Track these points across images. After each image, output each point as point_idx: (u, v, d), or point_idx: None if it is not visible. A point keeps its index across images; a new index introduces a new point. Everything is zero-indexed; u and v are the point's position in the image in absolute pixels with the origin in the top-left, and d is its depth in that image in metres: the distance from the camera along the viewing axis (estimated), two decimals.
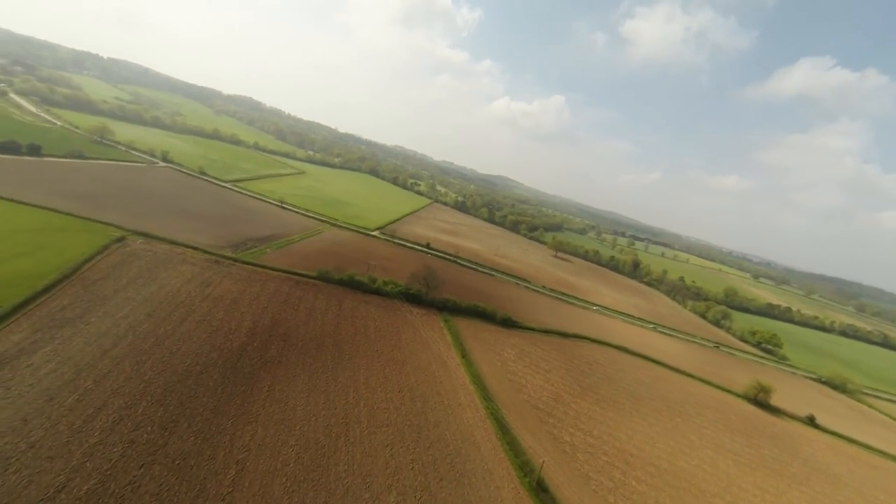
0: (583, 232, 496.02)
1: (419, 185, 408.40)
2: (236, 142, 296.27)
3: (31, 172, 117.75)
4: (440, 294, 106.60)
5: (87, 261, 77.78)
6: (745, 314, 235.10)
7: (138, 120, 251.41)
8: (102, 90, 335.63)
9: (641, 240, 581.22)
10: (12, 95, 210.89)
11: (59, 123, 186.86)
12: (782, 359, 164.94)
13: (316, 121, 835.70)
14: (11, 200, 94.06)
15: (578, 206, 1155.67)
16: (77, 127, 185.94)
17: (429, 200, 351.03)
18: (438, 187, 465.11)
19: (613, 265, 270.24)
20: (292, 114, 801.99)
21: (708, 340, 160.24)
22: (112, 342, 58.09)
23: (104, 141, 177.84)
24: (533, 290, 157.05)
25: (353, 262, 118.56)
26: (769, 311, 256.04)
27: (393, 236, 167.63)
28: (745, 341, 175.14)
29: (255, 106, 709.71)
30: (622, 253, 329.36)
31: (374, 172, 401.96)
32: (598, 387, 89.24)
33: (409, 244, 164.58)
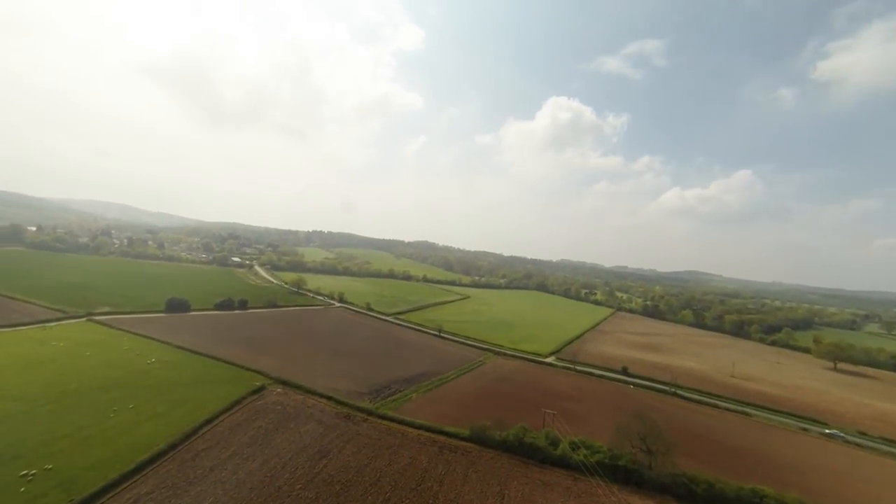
0: (853, 326, 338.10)
1: (595, 293, 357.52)
2: (407, 277, 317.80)
3: (230, 323, 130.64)
4: (672, 463, 59.45)
5: (209, 420, 66.34)
6: None
7: (333, 271, 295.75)
8: (318, 255, 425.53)
9: None
10: (256, 266, 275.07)
11: (275, 282, 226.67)
12: None
13: (483, 249, 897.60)
14: (195, 352, 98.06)
15: (812, 291, 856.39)
16: (285, 283, 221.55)
17: (610, 310, 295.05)
18: (617, 293, 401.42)
19: None
20: (461, 247, 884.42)
21: None
22: None
23: (299, 290, 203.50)
24: (842, 441, 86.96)
25: (523, 407, 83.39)
26: None
27: (574, 362, 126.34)
28: None
29: (430, 247, 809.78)
30: None
31: (542, 288, 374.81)
32: None
33: (597, 371, 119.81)
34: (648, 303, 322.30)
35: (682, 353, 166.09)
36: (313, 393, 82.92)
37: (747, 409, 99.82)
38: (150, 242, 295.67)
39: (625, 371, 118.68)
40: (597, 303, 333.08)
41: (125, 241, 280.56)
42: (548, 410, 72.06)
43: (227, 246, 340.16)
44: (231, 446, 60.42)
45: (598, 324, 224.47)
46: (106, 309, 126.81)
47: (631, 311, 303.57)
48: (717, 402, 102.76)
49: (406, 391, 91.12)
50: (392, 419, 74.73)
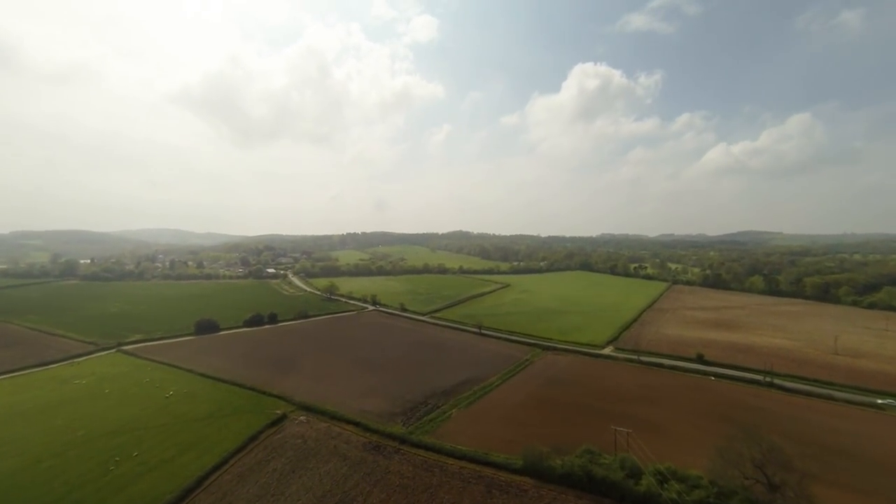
0: None
1: (644, 267, 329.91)
2: (443, 270, 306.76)
3: (258, 340, 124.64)
4: (810, 499, 43.28)
5: (218, 466, 57.60)
6: None
7: (366, 272, 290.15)
8: (352, 257, 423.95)
9: None
10: (290, 276, 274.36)
11: (308, 290, 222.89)
12: None
13: (519, 233, 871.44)
14: (216, 379, 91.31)
15: (893, 238, 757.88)
16: (317, 290, 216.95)
17: (665, 284, 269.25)
18: (669, 265, 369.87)
19: None
20: (497, 234, 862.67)
21: None
22: None
23: (332, 297, 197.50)
24: None
25: (584, 418, 69.14)
26: None
27: (637, 351, 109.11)
28: None
29: (464, 236, 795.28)
30: None
31: (585, 267, 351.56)
32: None
33: (667, 362, 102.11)
34: (707, 272, 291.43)
35: (763, 329, 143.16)
36: (339, 419, 72.92)
37: (876, 399, 79.33)
38: (189, 263, 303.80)
39: (701, 359, 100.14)
40: (648, 277, 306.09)
41: (167, 263, 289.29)
42: (619, 428, 57.19)
43: (263, 258, 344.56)
44: (240, 500, 51.02)
45: (654, 301, 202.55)
46: (138, 337, 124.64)
47: (689, 283, 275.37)
48: (830, 391, 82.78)
49: (445, 406, 79.23)
50: (429, 447, 63.02)
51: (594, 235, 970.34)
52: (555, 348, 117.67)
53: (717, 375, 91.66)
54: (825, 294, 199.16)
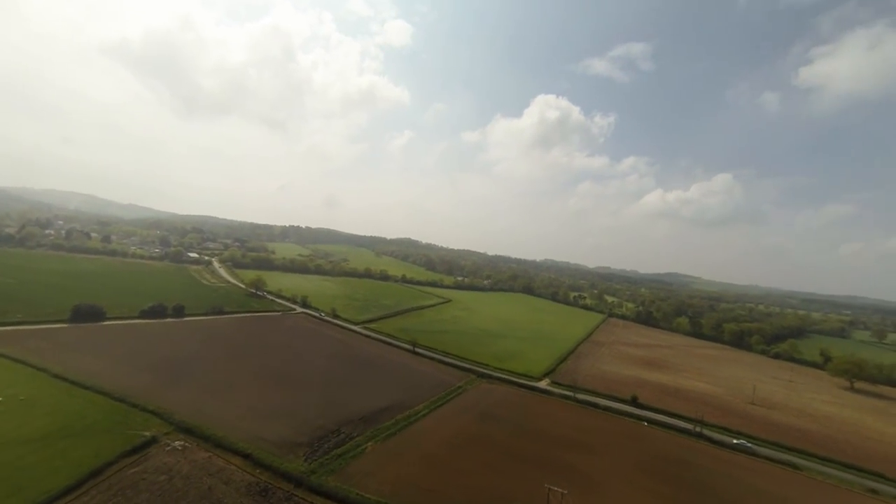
0: (843, 334, 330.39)
1: (583, 297, 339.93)
2: (385, 277, 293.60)
3: (151, 336, 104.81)
4: None
5: None
6: None
7: (303, 269, 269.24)
8: (291, 251, 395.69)
9: None
10: (214, 262, 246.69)
11: (232, 282, 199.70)
12: None
13: (466, 248, 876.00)
14: (76, 383, 72.41)
15: (789, 295, 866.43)
16: (243, 283, 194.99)
17: (601, 316, 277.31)
18: (606, 297, 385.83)
19: None
20: (445, 246, 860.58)
21: None
22: None
23: (257, 292, 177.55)
24: None
25: (516, 465, 61.43)
26: None
27: (574, 388, 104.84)
28: None
29: (412, 244, 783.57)
30: None
31: (527, 290, 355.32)
32: None
33: (602, 402, 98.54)
34: (640, 308, 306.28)
35: (688, 371, 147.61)
36: (226, 448, 59.15)
37: (791, 458, 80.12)
38: (94, 235, 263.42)
39: (635, 401, 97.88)
40: (586, 307, 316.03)
41: (63, 232, 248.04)
42: (553, 488, 49.89)
43: (188, 240, 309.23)
44: None
45: (591, 333, 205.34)
46: None
47: (623, 317, 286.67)
48: (753, 444, 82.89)
49: (360, 438, 67.97)
50: (330, 494, 51.73)
51: (538, 259, 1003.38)
52: (490, 376, 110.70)
53: (650, 421, 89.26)
54: (740, 340, 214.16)
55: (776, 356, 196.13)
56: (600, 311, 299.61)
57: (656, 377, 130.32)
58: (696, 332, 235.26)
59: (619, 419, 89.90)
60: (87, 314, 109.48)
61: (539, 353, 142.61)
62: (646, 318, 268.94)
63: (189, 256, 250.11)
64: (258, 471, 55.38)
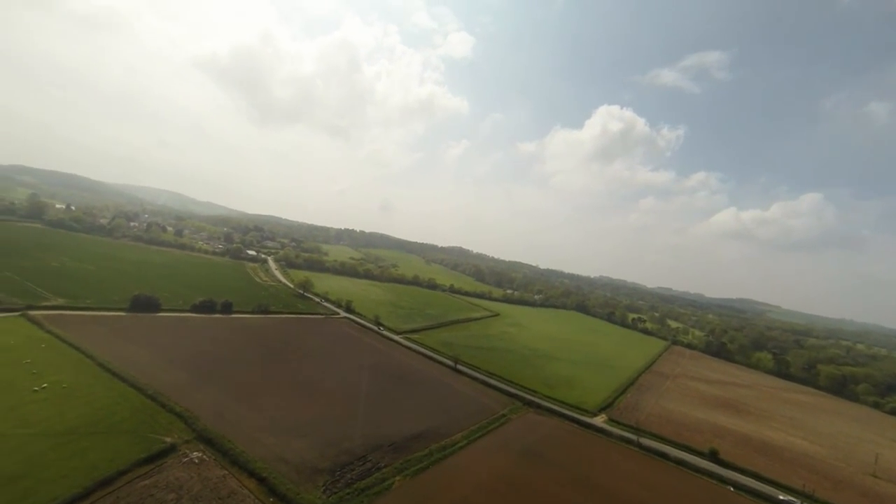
0: None
1: (644, 320, 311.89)
2: (433, 286, 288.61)
3: (196, 331, 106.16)
4: None
5: None
6: None
7: (352, 273, 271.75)
8: (344, 253, 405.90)
9: None
10: (270, 261, 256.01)
11: (283, 281, 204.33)
12: None
13: (517, 260, 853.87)
14: (116, 374, 72.44)
15: (891, 333, 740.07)
16: (292, 282, 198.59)
17: (663, 342, 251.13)
18: (669, 321, 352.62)
19: None
20: (495, 256, 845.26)
21: None
22: None
23: (305, 294, 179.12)
24: None
25: None
26: None
27: (636, 429, 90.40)
28: None
29: (462, 253, 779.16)
30: None
31: (581, 308, 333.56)
32: None
33: (673, 451, 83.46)
34: (710, 338, 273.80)
35: (776, 419, 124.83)
36: (243, 467, 54.48)
37: None
38: (168, 228, 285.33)
39: (715, 456, 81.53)
40: (646, 332, 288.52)
41: (144, 225, 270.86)
42: None
43: (248, 238, 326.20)
44: None
45: (653, 362, 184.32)
46: (60, 301, 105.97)
47: (689, 345, 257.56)
48: None
49: (388, 469, 60.65)
50: None
51: (592, 276, 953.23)
52: (538, 405, 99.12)
53: (736, 485, 73.08)
54: (841, 388, 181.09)
55: (894, 412, 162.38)
56: (662, 338, 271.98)
57: (736, 424, 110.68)
58: (782, 372, 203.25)
59: (695, 478, 74.72)
60: (144, 304, 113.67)
61: (594, 382, 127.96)
62: (717, 350, 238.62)
63: (247, 254, 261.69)
64: (271, 500, 49.80)
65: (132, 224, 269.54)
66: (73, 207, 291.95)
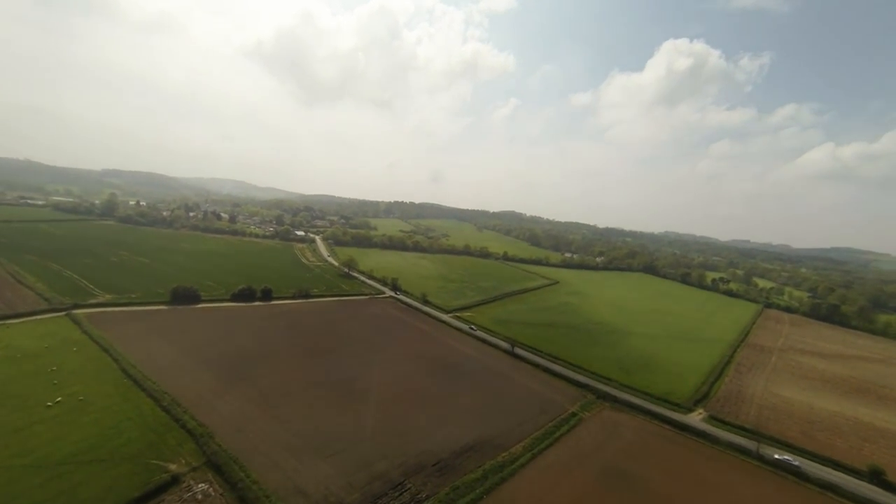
0: None
1: (727, 281, 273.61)
2: (485, 255, 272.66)
3: (233, 322, 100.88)
4: None
5: None
6: None
7: (401, 246, 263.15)
8: (392, 227, 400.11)
9: None
10: (318, 240, 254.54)
11: (329, 261, 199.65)
12: None
13: (574, 221, 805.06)
14: (135, 381, 66.74)
15: None
16: (337, 260, 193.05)
17: (755, 306, 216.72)
18: (756, 280, 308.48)
19: None
20: (550, 219, 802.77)
21: None
22: None
23: (350, 272, 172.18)
24: None
25: None
26: None
27: (755, 435, 70.09)
28: None
29: (516, 217, 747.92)
30: None
31: (650, 270, 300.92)
32: None
33: (814, 469, 63.07)
34: (815, 299, 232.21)
35: None
36: (258, 496, 44.74)
37: None
38: (223, 216, 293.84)
39: (880, 478, 59.64)
40: (730, 293, 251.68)
41: (201, 214, 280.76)
42: None
43: (298, 219, 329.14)
44: None
45: (747, 332, 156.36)
46: (107, 298, 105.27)
47: (789, 309, 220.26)
48: None
49: (430, 501, 48.33)
50: None
51: (657, 232, 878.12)
52: (614, 398, 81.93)
53: None
54: None
55: None
56: (752, 300, 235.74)
57: (887, 419, 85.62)
58: None
59: None
60: (183, 297, 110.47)
61: (680, 362, 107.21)
62: (827, 314, 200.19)
63: (296, 234, 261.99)
64: None
65: (191, 214, 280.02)
66: (142, 203, 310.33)
